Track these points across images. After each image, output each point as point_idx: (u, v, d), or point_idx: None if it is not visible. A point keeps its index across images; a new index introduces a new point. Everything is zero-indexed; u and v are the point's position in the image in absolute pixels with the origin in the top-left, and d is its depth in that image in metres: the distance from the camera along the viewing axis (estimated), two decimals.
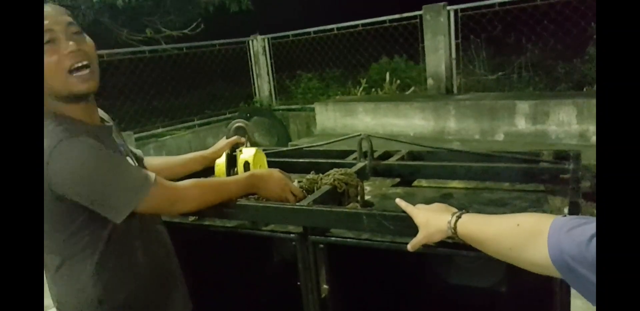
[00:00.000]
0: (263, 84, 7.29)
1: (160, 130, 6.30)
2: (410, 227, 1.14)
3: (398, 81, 6.01)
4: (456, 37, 5.17)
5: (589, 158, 3.75)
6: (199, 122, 6.78)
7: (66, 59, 1.07)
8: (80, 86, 1.10)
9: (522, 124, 4.48)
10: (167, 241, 1.35)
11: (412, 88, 5.86)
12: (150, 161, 1.55)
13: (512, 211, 1.28)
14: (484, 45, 5.38)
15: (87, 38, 1.16)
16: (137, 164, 1.30)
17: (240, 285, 1.62)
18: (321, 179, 1.46)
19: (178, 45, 6.73)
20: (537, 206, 1.33)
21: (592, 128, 4.15)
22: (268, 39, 7.02)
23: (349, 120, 5.56)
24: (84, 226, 1.11)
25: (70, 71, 1.09)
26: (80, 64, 1.10)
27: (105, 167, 1.08)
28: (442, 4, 5.13)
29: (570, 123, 4.24)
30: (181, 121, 6.63)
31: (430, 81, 5.47)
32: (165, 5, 7.00)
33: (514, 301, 1.49)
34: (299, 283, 1.34)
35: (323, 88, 7.56)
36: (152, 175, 1.15)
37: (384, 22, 5.78)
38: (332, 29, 6.30)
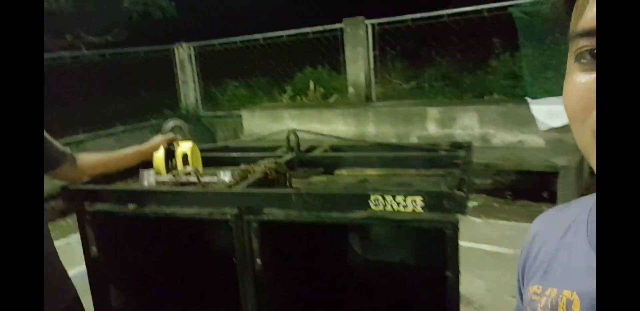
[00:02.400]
0: (189, 91, 7.33)
1: (81, 136, 6.16)
2: (334, 203, 1.35)
3: (322, 89, 6.31)
4: (374, 49, 5.56)
5: (489, 157, 4.24)
6: (122, 128, 6.69)
7: None
8: None
9: (432, 128, 4.92)
10: None
11: (335, 96, 6.17)
12: (86, 157, 1.65)
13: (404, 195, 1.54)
14: (399, 57, 5.81)
15: None
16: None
17: (180, 266, 1.76)
18: (253, 168, 1.65)
19: (100, 52, 6.63)
20: (435, 186, 1.59)
21: (491, 131, 4.65)
22: (194, 46, 7.09)
23: (276, 126, 5.77)
24: None
25: None
26: None
27: None
28: (360, 17, 5.51)
29: (473, 127, 4.72)
30: (103, 128, 6.51)
31: (351, 89, 5.81)
32: (87, 11, 6.87)
33: (418, 276, 1.74)
34: (234, 260, 1.51)
35: (249, 96, 7.71)
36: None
37: (307, 33, 6.07)
38: (257, 39, 6.49)
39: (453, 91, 5.76)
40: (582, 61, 0.46)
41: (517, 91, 5.39)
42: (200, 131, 6.99)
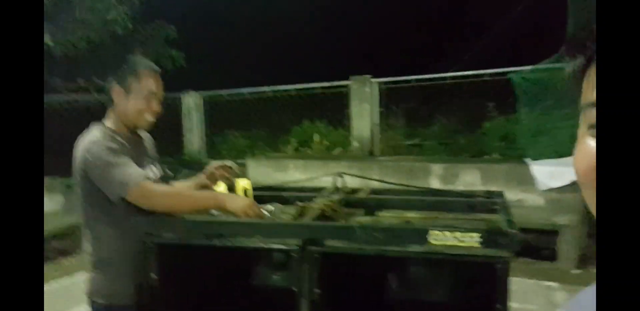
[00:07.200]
0: (193, 138, 7.50)
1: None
2: (395, 237, 1.50)
3: (326, 142, 6.55)
4: (380, 106, 5.88)
5: None
6: None
7: (149, 112, 1.74)
8: (144, 124, 1.77)
9: (435, 183, 5.12)
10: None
11: (338, 148, 6.41)
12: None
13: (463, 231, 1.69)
14: (401, 114, 6.14)
15: None
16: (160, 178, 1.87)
17: (238, 295, 1.85)
18: (310, 205, 1.80)
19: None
20: (479, 227, 1.75)
21: (493, 189, 4.87)
22: (202, 95, 7.35)
23: (281, 175, 5.92)
24: (99, 203, 1.67)
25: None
26: (151, 118, 1.76)
27: (110, 162, 1.62)
28: (367, 76, 5.87)
29: (475, 184, 4.94)
30: None
31: (355, 143, 6.06)
32: (102, 58, 7.16)
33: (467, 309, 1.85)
34: (294, 289, 1.62)
35: (249, 146, 7.88)
36: (142, 178, 1.65)
37: (315, 88, 6.39)
38: (265, 91, 6.79)
39: (450, 150, 6.05)
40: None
41: (510, 152, 5.70)
42: None
